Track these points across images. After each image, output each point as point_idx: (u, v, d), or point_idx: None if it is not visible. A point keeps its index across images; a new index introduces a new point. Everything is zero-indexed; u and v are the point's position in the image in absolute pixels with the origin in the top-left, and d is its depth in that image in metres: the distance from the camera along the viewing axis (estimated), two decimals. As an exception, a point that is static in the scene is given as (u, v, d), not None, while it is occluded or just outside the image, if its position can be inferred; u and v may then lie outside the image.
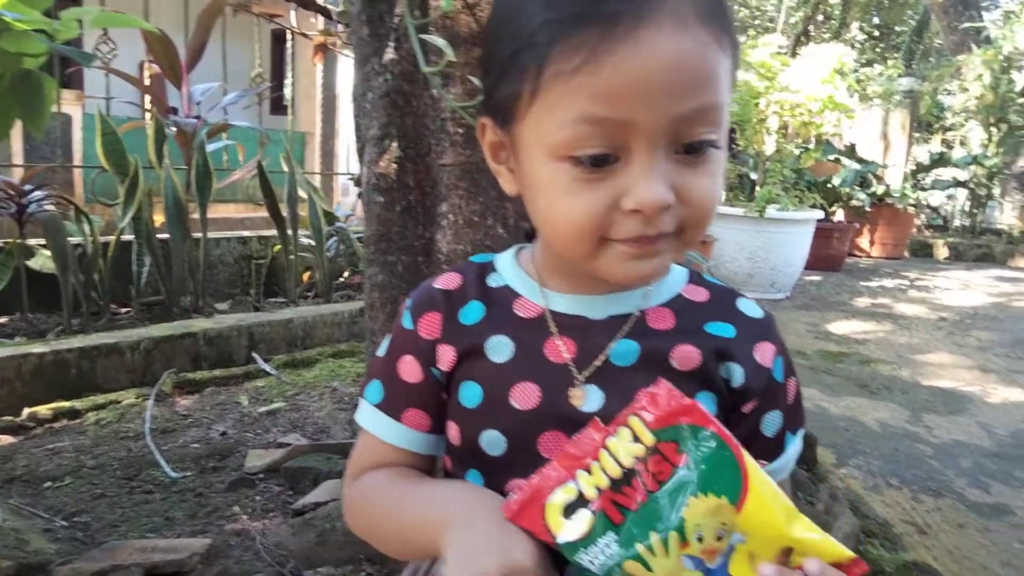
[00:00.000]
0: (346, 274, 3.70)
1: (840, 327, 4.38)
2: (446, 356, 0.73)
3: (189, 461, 1.87)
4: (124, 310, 2.97)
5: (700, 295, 0.76)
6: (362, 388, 0.78)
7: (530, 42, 0.61)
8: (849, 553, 0.54)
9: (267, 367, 2.54)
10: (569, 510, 0.58)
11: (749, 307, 0.76)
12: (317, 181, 6.01)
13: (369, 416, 0.76)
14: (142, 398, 2.24)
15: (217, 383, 2.42)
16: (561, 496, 0.59)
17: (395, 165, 1.56)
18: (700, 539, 0.55)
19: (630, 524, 0.57)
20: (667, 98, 0.58)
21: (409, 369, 0.74)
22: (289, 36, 4.11)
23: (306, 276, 3.49)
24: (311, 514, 1.51)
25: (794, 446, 0.75)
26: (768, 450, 0.73)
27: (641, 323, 0.72)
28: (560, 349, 0.70)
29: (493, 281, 0.76)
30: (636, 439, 0.58)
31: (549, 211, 0.65)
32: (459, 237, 1.52)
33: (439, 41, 1.02)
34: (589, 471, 0.59)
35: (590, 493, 0.58)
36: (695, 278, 0.78)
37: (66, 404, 2.15)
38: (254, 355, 2.61)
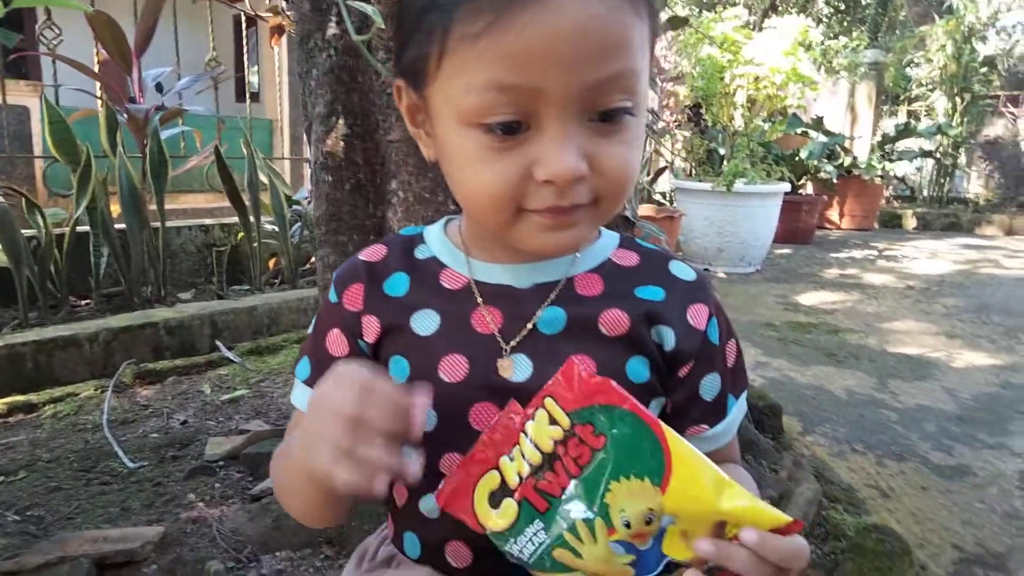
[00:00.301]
0: (313, 259, 3.66)
1: (809, 298, 4.42)
2: (371, 328, 0.71)
3: (148, 451, 1.84)
4: (84, 302, 2.91)
5: (630, 259, 0.74)
6: (293, 368, 0.76)
7: (436, 2, 0.58)
8: (783, 517, 0.52)
9: (231, 355, 2.50)
10: (494, 499, 0.56)
11: (681, 269, 0.75)
12: (286, 167, 5.93)
13: (299, 394, 0.74)
14: (101, 390, 2.19)
15: (179, 372, 2.38)
16: (486, 484, 0.57)
17: (342, 143, 1.53)
18: (627, 525, 0.53)
19: (555, 512, 0.55)
20: (577, 64, 0.56)
21: (336, 343, 0.72)
22: (244, 20, 4.02)
23: (272, 263, 3.44)
24: (268, 499, 1.49)
25: (737, 409, 0.75)
26: (708, 414, 0.72)
27: (568, 290, 0.70)
28: (487, 319, 0.69)
29: (420, 253, 0.75)
30: (553, 422, 0.56)
31: (462, 179, 0.64)
32: (410, 214, 1.49)
33: (366, 7, 0.99)
34: (511, 457, 0.57)
35: (512, 481, 0.56)
36: (626, 242, 0.76)
37: (21, 398, 2.10)
38: (217, 343, 2.58)
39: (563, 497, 0.54)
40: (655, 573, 0.55)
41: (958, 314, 4.09)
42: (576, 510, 0.54)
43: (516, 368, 0.67)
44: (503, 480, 0.56)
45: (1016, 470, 2.14)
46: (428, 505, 0.69)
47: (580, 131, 0.59)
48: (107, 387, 2.18)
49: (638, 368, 0.69)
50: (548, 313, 0.69)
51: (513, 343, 0.68)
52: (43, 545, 1.32)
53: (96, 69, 3.01)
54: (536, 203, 0.60)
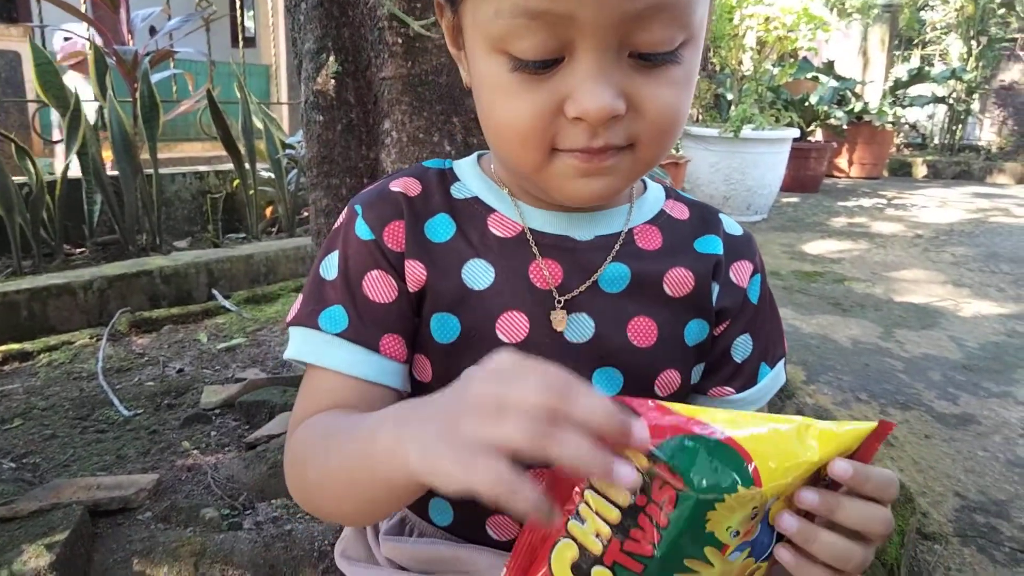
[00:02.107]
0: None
1: (816, 247, 4.36)
2: (414, 275, 0.63)
3: (144, 399, 1.82)
4: (79, 250, 2.87)
5: (681, 211, 0.70)
6: (302, 317, 0.64)
7: None
8: (869, 424, 0.46)
9: (227, 303, 2.47)
10: (580, 570, 0.48)
11: (729, 224, 0.72)
12: (284, 113, 5.82)
13: (327, 348, 0.62)
14: (96, 338, 2.17)
15: (175, 321, 2.35)
16: (562, 555, 0.49)
17: (333, 81, 1.47)
18: (736, 534, 0.47)
19: (655, 569, 0.47)
20: None
21: (378, 286, 0.63)
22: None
23: (268, 210, 3.39)
24: (263, 447, 1.47)
25: (770, 379, 0.70)
26: (735, 376, 0.68)
27: (629, 243, 0.65)
28: (544, 274, 0.63)
29: (458, 192, 0.67)
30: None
31: (491, 112, 0.58)
32: (404, 156, 1.44)
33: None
34: (581, 519, 0.49)
35: (594, 546, 0.48)
36: (672, 194, 0.72)
37: (16, 346, 2.08)
38: (214, 292, 2.54)
39: (658, 554, 0.47)
40: (773, 543, 0.50)
41: (966, 263, 4.03)
42: (682, 557, 0.48)
43: (577, 326, 0.63)
44: (581, 548, 0.48)
45: (1020, 418, 2.12)
46: None
47: (619, 66, 0.53)
48: (102, 335, 2.16)
49: (695, 330, 0.66)
50: (611, 270, 0.64)
51: (568, 297, 0.63)
52: (37, 492, 1.31)
53: (83, 9, 2.91)
54: (567, 142, 0.55)
